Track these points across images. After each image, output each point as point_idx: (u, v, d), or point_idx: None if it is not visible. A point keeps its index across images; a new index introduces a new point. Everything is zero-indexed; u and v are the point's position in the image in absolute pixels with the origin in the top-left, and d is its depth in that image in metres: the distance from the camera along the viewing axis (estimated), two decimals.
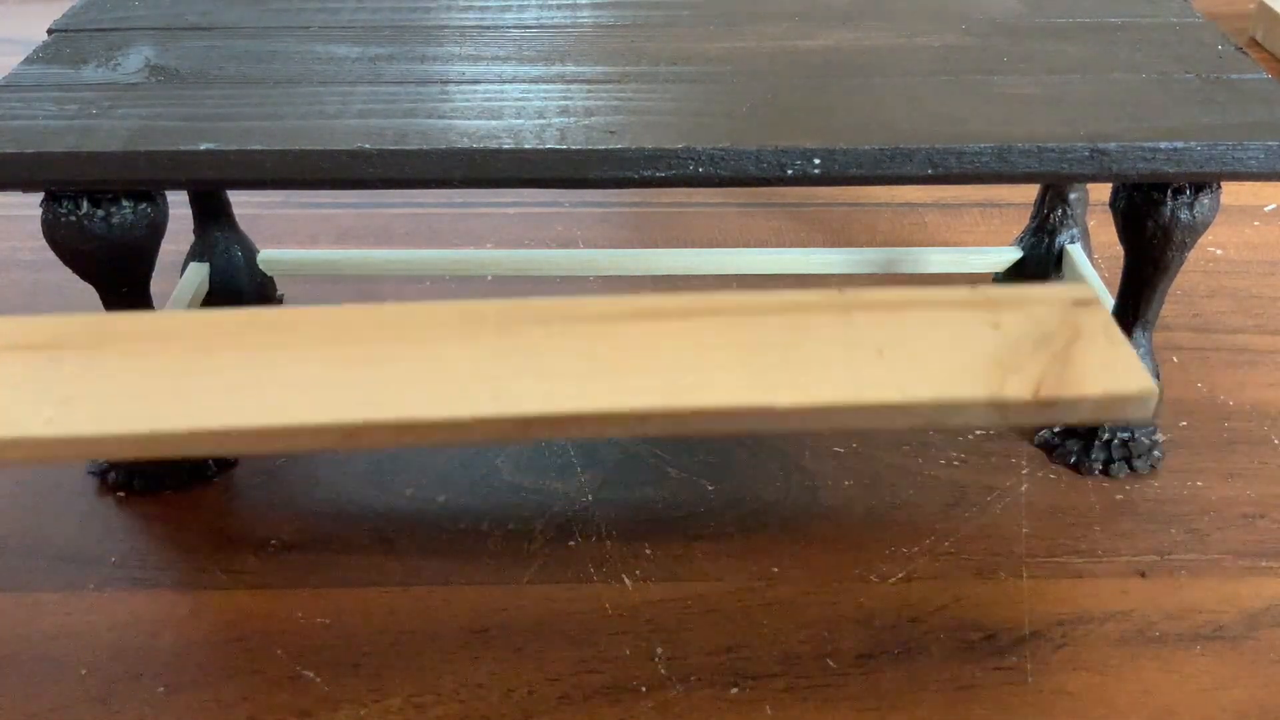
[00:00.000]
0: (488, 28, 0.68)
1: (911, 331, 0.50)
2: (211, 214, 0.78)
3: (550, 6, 0.70)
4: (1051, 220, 0.80)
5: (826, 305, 0.52)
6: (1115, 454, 0.69)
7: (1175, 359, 0.80)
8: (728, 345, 0.50)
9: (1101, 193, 0.70)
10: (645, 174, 0.56)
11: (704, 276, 0.88)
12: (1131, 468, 0.69)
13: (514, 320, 0.50)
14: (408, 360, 0.48)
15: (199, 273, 0.78)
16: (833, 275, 0.88)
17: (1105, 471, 0.69)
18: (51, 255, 0.59)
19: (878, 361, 0.48)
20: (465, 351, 0.48)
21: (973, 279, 0.87)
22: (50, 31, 0.66)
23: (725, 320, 0.51)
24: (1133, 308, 0.66)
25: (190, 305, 0.75)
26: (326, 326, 0.50)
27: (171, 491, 0.69)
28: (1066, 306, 0.51)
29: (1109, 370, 0.47)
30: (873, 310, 0.51)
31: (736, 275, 0.88)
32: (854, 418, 0.48)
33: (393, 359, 0.48)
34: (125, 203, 0.58)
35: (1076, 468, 0.70)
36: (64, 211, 0.58)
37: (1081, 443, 0.69)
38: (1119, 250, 0.65)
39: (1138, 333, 0.67)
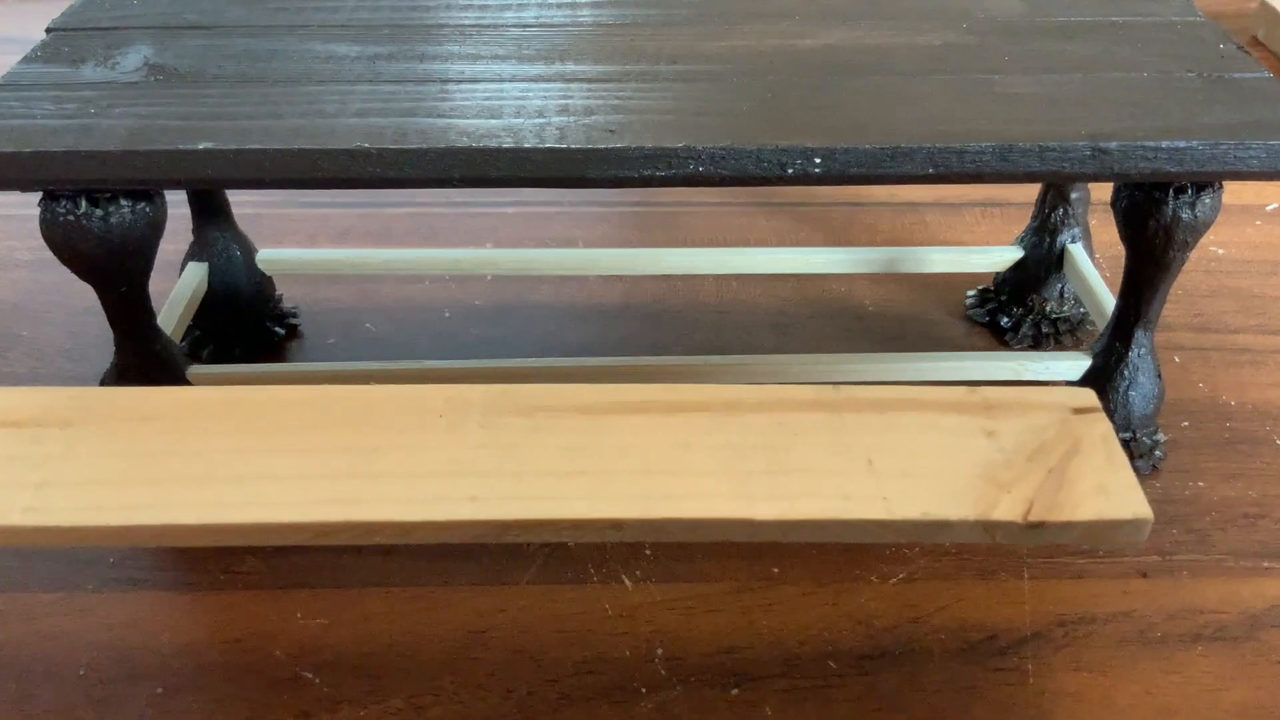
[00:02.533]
0: (487, 26, 0.68)
1: (903, 438, 0.48)
2: (210, 213, 0.78)
3: (550, 5, 0.70)
4: (1053, 220, 0.80)
5: (817, 403, 0.50)
6: None
7: (1177, 359, 0.80)
8: (712, 447, 0.48)
9: (1103, 192, 0.70)
10: (645, 173, 0.56)
11: (704, 276, 0.87)
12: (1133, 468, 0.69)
13: (499, 409, 0.49)
14: (389, 453, 0.47)
15: (197, 272, 0.78)
16: (833, 275, 0.88)
17: None
18: (50, 255, 0.59)
19: (866, 473, 0.46)
20: (447, 444, 0.47)
21: (974, 279, 0.87)
22: (49, 31, 0.66)
23: (712, 417, 0.49)
24: (1134, 307, 0.66)
25: (189, 305, 0.75)
26: (311, 410, 0.49)
27: None
28: (1066, 414, 0.49)
29: (1105, 494, 0.45)
30: (864, 411, 0.49)
31: (737, 275, 0.88)
32: (838, 532, 0.46)
33: (374, 450, 0.47)
34: (124, 202, 0.58)
35: None
36: (62, 211, 0.58)
37: None
38: (1120, 250, 0.65)
39: (1139, 333, 0.66)
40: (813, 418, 0.49)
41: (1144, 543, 0.65)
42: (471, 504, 0.45)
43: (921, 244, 0.93)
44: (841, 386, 0.50)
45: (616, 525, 0.45)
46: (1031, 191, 0.84)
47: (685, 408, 0.49)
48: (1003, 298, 0.83)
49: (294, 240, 0.93)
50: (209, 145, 0.55)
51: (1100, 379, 0.68)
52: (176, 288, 0.76)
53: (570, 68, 0.63)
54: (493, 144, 0.55)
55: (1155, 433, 0.70)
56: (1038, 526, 0.45)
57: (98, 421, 0.48)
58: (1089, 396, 0.50)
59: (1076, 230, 0.80)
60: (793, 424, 0.49)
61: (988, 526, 0.45)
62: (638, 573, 0.64)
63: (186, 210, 0.78)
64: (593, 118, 0.57)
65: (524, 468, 0.47)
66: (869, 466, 0.47)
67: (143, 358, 0.65)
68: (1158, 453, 0.70)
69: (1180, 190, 0.60)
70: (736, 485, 0.46)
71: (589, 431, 0.48)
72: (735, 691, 0.57)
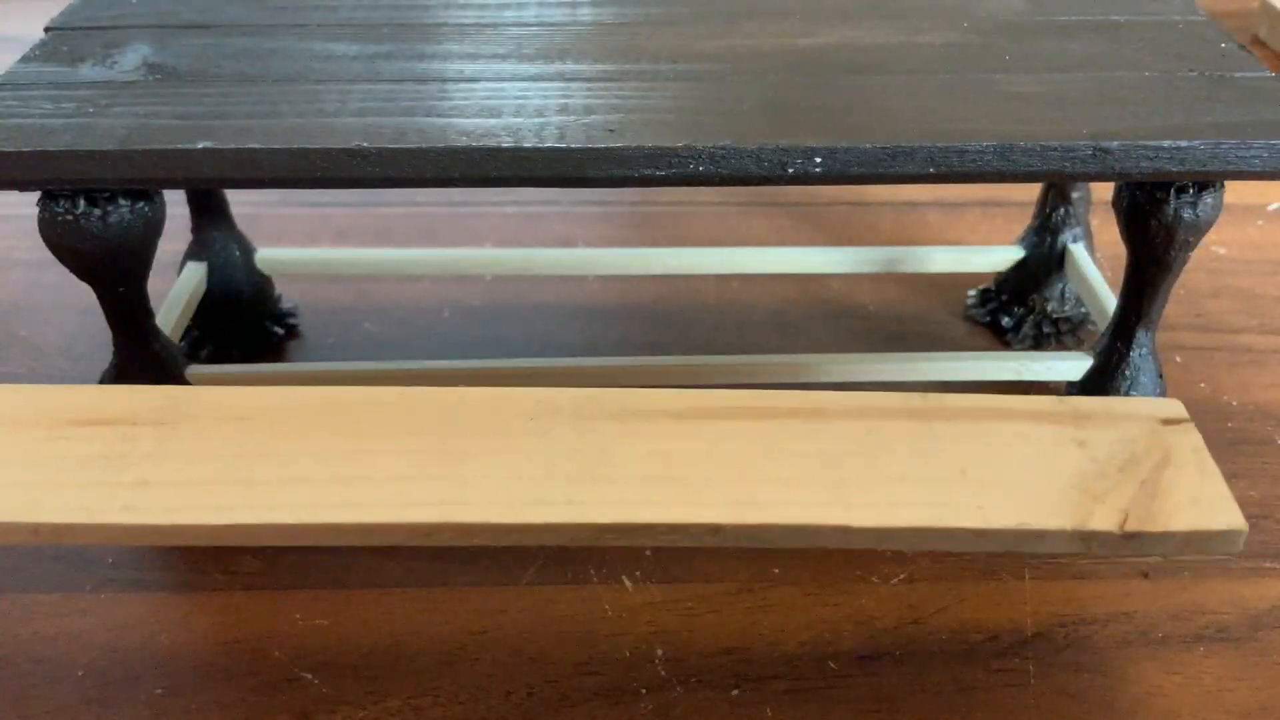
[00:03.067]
0: (487, 25, 0.67)
1: (994, 447, 0.48)
2: (209, 213, 0.78)
3: (549, 4, 0.70)
4: (1054, 219, 0.80)
5: (906, 411, 0.50)
6: None
7: (1178, 359, 0.79)
8: (804, 453, 0.48)
9: (1104, 192, 0.70)
10: (645, 173, 0.56)
11: (704, 276, 0.87)
12: None
13: (588, 413, 0.49)
14: (482, 455, 0.47)
15: (196, 272, 0.78)
16: (834, 275, 0.88)
17: None
18: (48, 254, 0.59)
19: (960, 481, 0.46)
20: (539, 447, 0.48)
21: (975, 279, 0.86)
22: (47, 29, 0.66)
23: (802, 424, 0.49)
24: (1135, 307, 0.66)
25: (187, 305, 0.75)
26: (401, 412, 0.49)
27: None
28: (1155, 425, 0.49)
29: (1198, 505, 0.45)
30: (954, 420, 0.49)
31: (737, 275, 0.87)
32: (933, 540, 0.46)
33: (467, 452, 0.47)
34: (122, 202, 0.58)
35: None
36: (60, 210, 0.57)
37: None
38: (1121, 249, 0.65)
39: (1140, 333, 0.66)
40: (903, 425, 0.49)
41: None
42: (569, 507, 0.45)
43: (922, 244, 0.93)
44: (930, 395, 0.50)
45: (714, 530, 0.45)
46: (1032, 191, 0.84)
47: (774, 414, 0.49)
48: (1003, 297, 0.83)
49: (293, 240, 0.93)
50: (208, 144, 0.55)
51: (1101, 379, 0.68)
52: (175, 287, 0.76)
53: (570, 67, 0.62)
54: (492, 143, 0.55)
55: None
56: (1134, 537, 0.44)
57: (188, 420, 0.49)
58: (1177, 407, 0.50)
59: (1078, 230, 0.80)
60: (883, 432, 0.49)
61: (1084, 537, 0.45)
62: (638, 573, 0.63)
63: (185, 210, 0.78)
64: (592, 117, 0.57)
65: (618, 472, 0.47)
66: (962, 475, 0.47)
67: (141, 357, 0.65)
68: None
69: (1182, 190, 0.60)
70: (831, 492, 0.46)
71: (680, 437, 0.48)
72: (735, 692, 0.57)
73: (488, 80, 0.61)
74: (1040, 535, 0.45)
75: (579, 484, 0.46)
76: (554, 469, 0.47)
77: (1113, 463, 0.47)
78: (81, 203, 0.57)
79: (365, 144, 0.55)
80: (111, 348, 0.65)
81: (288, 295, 0.84)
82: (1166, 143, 0.56)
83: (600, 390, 0.51)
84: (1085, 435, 0.49)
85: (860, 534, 0.45)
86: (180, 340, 0.75)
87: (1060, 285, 0.81)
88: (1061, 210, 0.80)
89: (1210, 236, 0.63)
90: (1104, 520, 0.45)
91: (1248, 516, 0.67)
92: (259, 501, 0.45)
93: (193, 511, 0.45)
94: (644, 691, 0.57)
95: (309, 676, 0.58)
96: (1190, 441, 0.49)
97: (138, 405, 0.49)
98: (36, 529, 0.44)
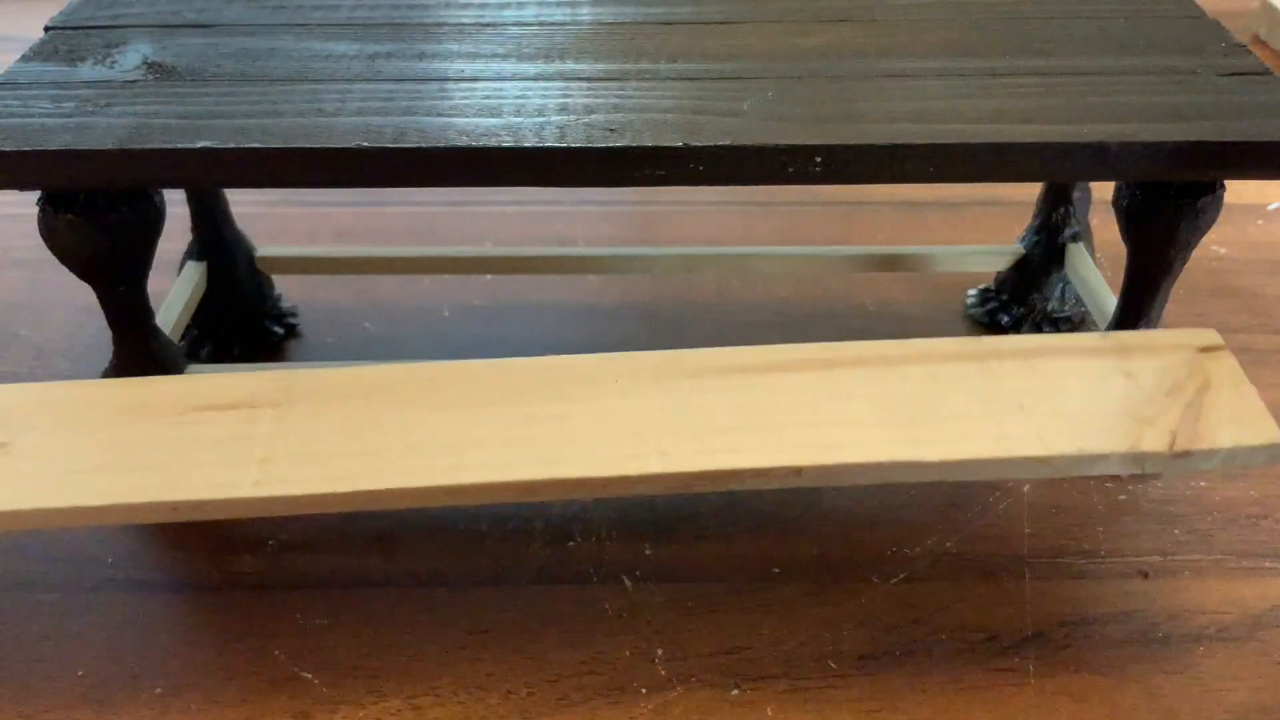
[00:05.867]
0: (487, 25, 0.67)
1: (1048, 382, 0.51)
2: (209, 212, 0.78)
3: (550, 4, 0.70)
4: (1054, 219, 0.80)
5: (963, 354, 0.54)
6: None
7: None
8: (871, 397, 0.51)
9: (1104, 191, 0.70)
10: (645, 172, 0.56)
11: (704, 276, 0.87)
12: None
13: (668, 373, 0.53)
14: (577, 417, 0.51)
15: (196, 271, 0.77)
16: (834, 275, 0.88)
17: None
18: (48, 254, 0.59)
19: (1019, 414, 0.50)
20: (628, 407, 0.51)
21: (975, 278, 0.86)
22: (47, 29, 0.66)
23: (867, 370, 0.52)
24: (1135, 307, 0.66)
25: (188, 304, 0.75)
26: (496, 381, 0.52)
27: None
28: (1194, 353, 0.53)
29: (1239, 423, 0.49)
30: (1009, 359, 0.53)
31: (737, 275, 0.87)
32: (997, 469, 0.49)
33: (564, 416, 0.51)
34: (122, 201, 0.58)
35: None
36: (60, 210, 0.57)
37: None
38: (1121, 249, 0.65)
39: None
40: (962, 367, 0.53)
41: (1145, 541, 0.65)
42: (661, 458, 0.48)
43: (922, 243, 0.93)
44: (983, 338, 0.53)
45: (795, 471, 0.49)
46: (1032, 190, 0.84)
47: (840, 363, 0.53)
48: (1004, 297, 0.83)
49: (293, 239, 0.93)
50: (208, 144, 0.55)
51: None
52: (175, 287, 0.76)
53: (570, 66, 0.62)
54: (492, 143, 0.55)
55: None
56: (1183, 455, 0.48)
57: (302, 401, 0.52)
58: (1213, 336, 0.55)
59: (1078, 229, 0.80)
60: (944, 374, 0.52)
61: (1137, 458, 0.48)
62: (638, 573, 0.63)
63: (185, 209, 0.78)
64: (593, 116, 0.57)
65: (702, 424, 0.50)
66: (1020, 409, 0.50)
67: (142, 357, 0.65)
68: None
69: (1182, 189, 0.60)
70: (899, 431, 0.49)
71: (754, 389, 0.52)
72: (735, 692, 0.57)
73: (488, 80, 0.61)
74: (1098, 458, 0.48)
75: (667, 437, 0.49)
76: (644, 425, 0.50)
77: (1158, 389, 0.51)
78: (81, 202, 0.57)
79: (365, 143, 0.55)
80: (111, 347, 0.65)
81: (288, 295, 0.84)
82: (1166, 142, 0.56)
83: (678, 351, 0.54)
84: (1131, 366, 0.53)
85: (930, 468, 0.49)
86: (180, 339, 0.75)
87: (1060, 284, 0.81)
88: (1061, 210, 0.80)
89: (1210, 236, 0.63)
90: (1154, 442, 0.48)
91: (1248, 516, 0.67)
92: (378, 469, 0.48)
93: (318, 481, 0.48)
94: (644, 691, 0.57)
95: (309, 676, 0.58)
96: (1227, 366, 0.53)
97: (255, 389, 0.52)
98: (175, 507, 0.48)
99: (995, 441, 0.49)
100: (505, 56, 0.64)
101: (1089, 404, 0.49)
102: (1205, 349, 0.52)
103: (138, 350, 0.64)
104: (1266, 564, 0.64)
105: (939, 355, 0.53)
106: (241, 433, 0.50)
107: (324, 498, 0.48)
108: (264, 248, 0.82)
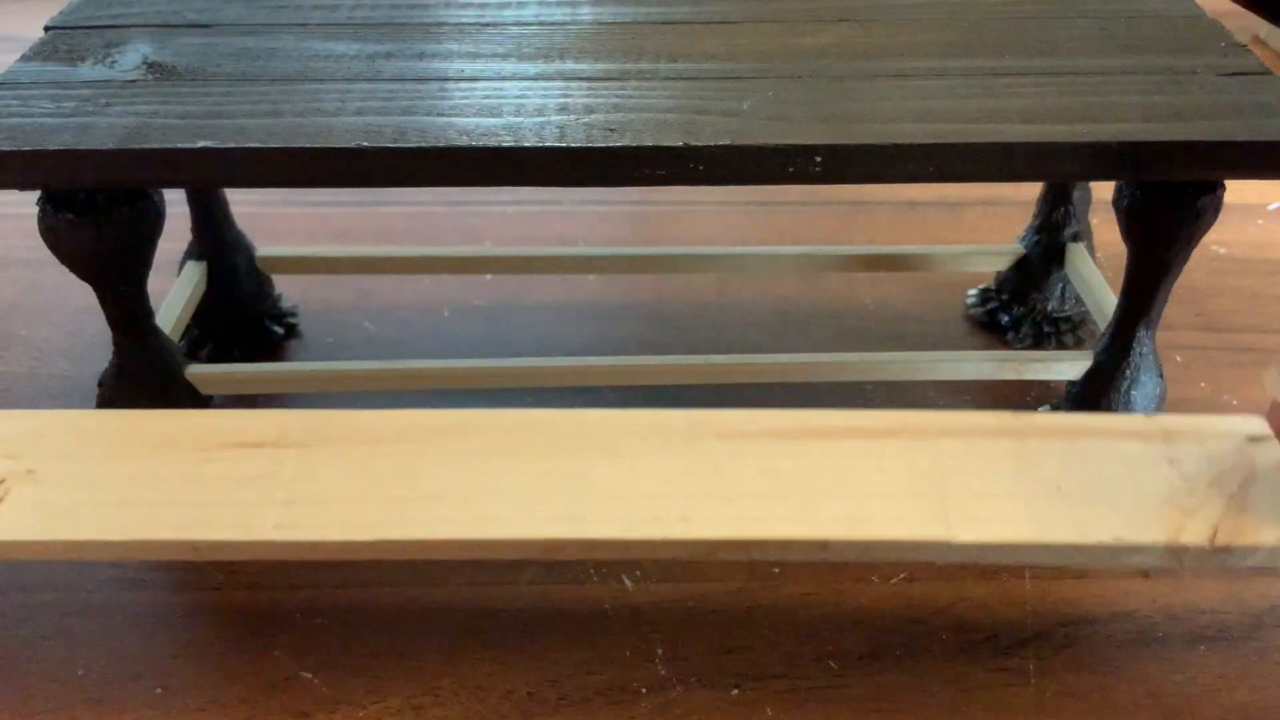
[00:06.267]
0: (487, 25, 0.67)
1: (1088, 464, 0.50)
2: (209, 212, 0.78)
3: (550, 4, 0.70)
4: (1054, 218, 0.80)
5: (1001, 430, 0.52)
6: None
7: (1179, 358, 0.79)
8: (905, 471, 0.50)
9: (1104, 191, 0.70)
10: (645, 172, 0.55)
11: (704, 275, 0.87)
12: None
13: (697, 433, 0.52)
14: (601, 474, 0.50)
15: (196, 271, 0.77)
16: (834, 274, 0.88)
17: None
18: (48, 254, 0.59)
19: (1056, 498, 0.48)
20: (654, 467, 0.50)
21: (975, 278, 0.86)
22: (47, 29, 0.66)
23: (901, 443, 0.51)
24: (1136, 307, 0.65)
25: (187, 304, 0.75)
26: (525, 433, 0.52)
27: None
28: (1241, 442, 0.51)
29: None
30: (1048, 438, 0.51)
31: (737, 274, 0.87)
32: (1031, 554, 0.48)
33: (588, 472, 0.50)
34: (122, 201, 0.58)
35: None
36: (60, 210, 0.57)
37: None
38: (1121, 249, 0.65)
39: (1141, 332, 0.66)
40: (999, 444, 0.51)
41: None
42: (684, 524, 0.48)
43: (922, 243, 0.93)
44: (1022, 414, 0.53)
45: (822, 545, 0.47)
46: (1032, 190, 0.84)
47: (877, 433, 0.52)
48: (1004, 296, 0.83)
49: (293, 239, 0.93)
50: (207, 144, 0.55)
51: (1102, 378, 0.68)
52: (175, 287, 0.76)
53: (570, 66, 0.62)
54: (492, 142, 0.55)
55: None
56: (1224, 550, 0.47)
57: (329, 443, 0.52)
58: (1261, 425, 0.52)
59: (1078, 229, 0.80)
60: (981, 450, 0.51)
61: (1176, 551, 0.47)
62: (638, 573, 0.63)
63: (185, 209, 0.77)
64: (593, 116, 0.57)
65: (729, 490, 0.49)
66: (1058, 492, 0.49)
67: (141, 357, 0.65)
68: None
69: (1182, 189, 0.60)
70: (933, 508, 0.48)
71: (786, 455, 0.51)
72: (735, 691, 0.57)
73: (488, 80, 0.61)
74: (1135, 549, 0.47)
75: (693, 501, 0.49)
76: (669, 487, 0.49)
77: (1202, 479, 0.50)
78: (81, 203, 0.57)
79: (365, 143, 0.55)
80: (111, 347, 0.65)
81: (288, 294, 0.84)
82: (1166, 141, 0.56)
83: (709, 411, 0.53)
84: (1174, 453, 0.51)
85: (962, 549, 0.48)
86: (180, 339, 0.75)
87: (1060, 284, 0.81)
88: (1061, 209, 0.80)
89: (1210, 236, 0.63)
90: (1195, 535, 0.47)
91: None
92: (400, 519, 0.48)
93: (337, 529, 0.48)
94: (644, 690, 0.57)
95: (309, 676, 0.58)
96: (1275, 457, 0.51)
97: (282, 428, 0.53)
98: (195, 546, 0.48)
99: (1030, 525, 0.47)
100: (505, 56, 0.64)
101: (1128, 491, 0.48)
102: (1253, 438, 0.51)
103: (138, 350, 0.64)
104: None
105: (978, 430, 0.51)
106: (267, 472, 0.50)
107: (343, 545, 0.48)
108: (264, 247, 0.82)
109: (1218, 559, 0.47)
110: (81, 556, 0.50)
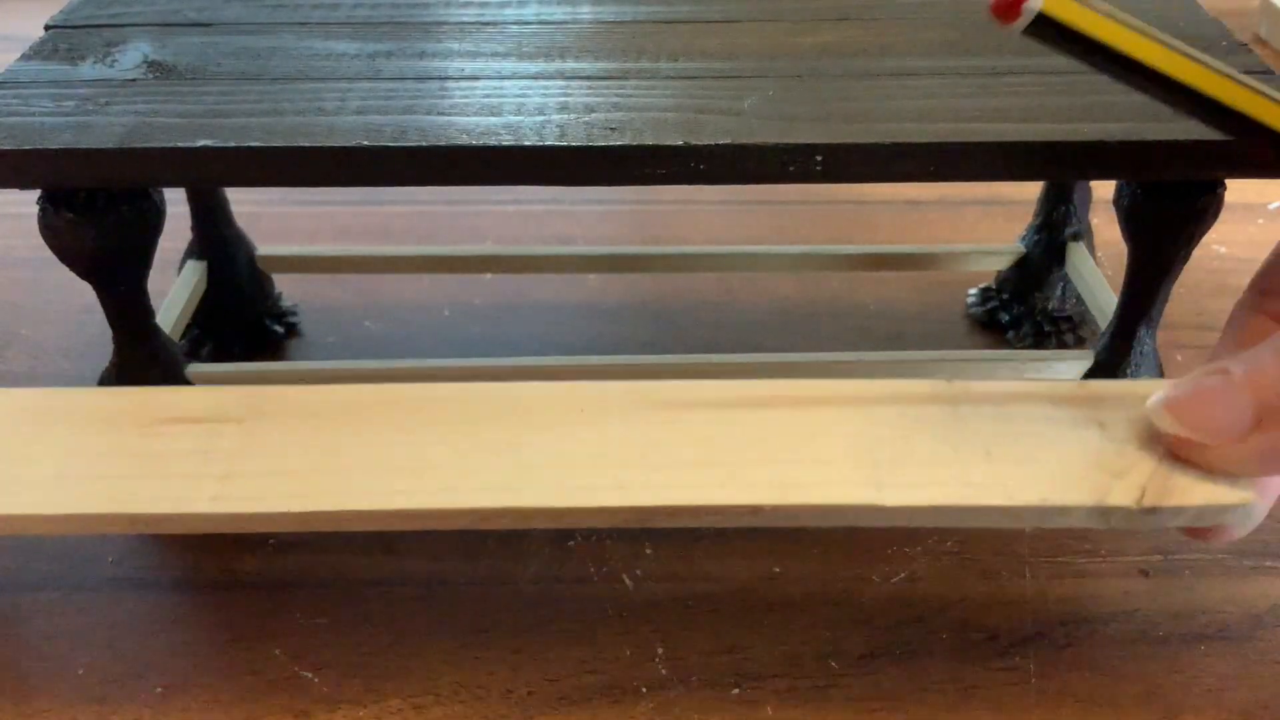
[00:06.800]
0: (487, 24, 0.67)
1: (1018, 429, 0.50)
2: (209, 211, 0.78)
3: (550, 2, 0.70)
4: (1054, 218, 0.80)
5: (934, 397, 0.52)
6: None
7: (1179, 358, 0.79)
8: (838, 437, 0.50)
9: (1105, 190, 0.70)
10: (646, 171, 0.55)
11: (704, 275, 0.87)
12: None
13: (636, 404, 0.52)
14: (537, 445, 0.50)
15: (196, 270, 0.77)
16: (835, 273, 0.88)
17: None
18: (48, 253, 0.59)
19: (985, 462, 0.48)
20: (590, 437, 0.50)
21: (975, 277, 0.86)
22: (47, 28, 0.66)
23: (836, 410, 0.51)
24: (1136, 306, 0.65)
25: (188, 303, 0.75)
26: (461, 406, 0.52)
27: None
28: None
29: (1211, 480, 0.47)
30: (980, 404, 0.51)
31: (737, 274, 0.87)
32: (960, 517, 0.48)
33: (523, 443, 0.50)
34: (122, 200, 0.58)
35: None
36: (60, 209, 0.57)
37: None
38: (1122, 248, 0.65)
39: (1141, 331, 0.66)
40: (933, 410, 0.51)
41: (1146, 540, 0.65)
42: (619, 492, 0.48)
43: (923, 242, 0.93)
44: (955, 381, 0.53)
45: (754, 511, 0.47)
46: (1033, 190, 0.84)
47: (811, 401, 0.52)
48: (1004, 296, 0.83)
49: (293, 238, 0.93)
50: (208, 143, 0.55)
51: (1102, 377, 0.68)
52: (175, 286, 0.76)
53: (570, 65, 0.62)
54: (493, 141, 0.55)
55: None
56: (1151, 511, 0.47)
57: (268, 418, 0.52)
58: None
59: (1078, 228, 0.80)
60: (914, 416, 0.51)
61: (1103, 512, 0.47)
62: (638, 572, 0.63)
63: (185, 208, 0.77)
64: (593, 115, 0.57)
65: (664, 459, 0.49)
66: (988, 456, 0.49)
67: (142, 356, 0.65)
68: None
69: (1182, 189, 0.60)
70: (864, 474, 0.48)
71: (721, 424, 0.51)
72: (736, 691, 0.57)
73: (488, 78, 0.61)
74: (1062, 511, 0.47)
75: (628, 470, 0.49)
76: (604, 457, 0.49)
77: (1131, 442, 0.49)
78: (81, 202, 0.57)
79: (365, 142, 0.55)
80: (111, 347, 0.65)
81: (288, 294, 0.84)
82: (1167, 140, 0.56)
83: (646, 383, 0.53)
84: (1105, 416, 0.51)
85: (892, 513, 0.48)
86: (180, 339, 0.75)
87: (1061, 283, 0.81)
88: (1062, 209, 0.80)
89: (1210, 235, 0.63)
90: (1122, 496, 0.47)
91: None
92: (340, 489, 0.48)
93: (276, 500, 0.48)
94: (644, 690, 0.57)
95: (309, 675, 0.58)
96: None
97: (221, 404, 0.52)
98: (134, 519, 0.48)
99: (960, 489, 0.47)
100: (505, 55, 0.64)
101: (1057, 454, 0.48)
102: None
103: (138, 350, 0.64)
104: (1268, 563, 0.64)
105: (911, 397, 0.51)
106: (204, 446, 0.50)
107: (278, 517, 0.47)
108: (264, 247, 0.82)
109: (1144, 519, 0.47)
110: (13, 532, 0.50)
